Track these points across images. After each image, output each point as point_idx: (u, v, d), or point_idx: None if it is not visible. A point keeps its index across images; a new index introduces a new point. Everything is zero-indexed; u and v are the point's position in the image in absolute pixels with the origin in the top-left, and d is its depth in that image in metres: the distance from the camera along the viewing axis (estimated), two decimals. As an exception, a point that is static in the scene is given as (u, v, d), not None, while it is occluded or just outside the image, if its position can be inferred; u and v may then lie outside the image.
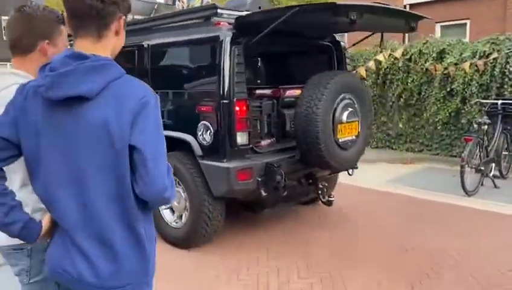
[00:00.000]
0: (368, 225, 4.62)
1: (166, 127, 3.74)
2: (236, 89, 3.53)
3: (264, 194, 3.68)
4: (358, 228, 4.55)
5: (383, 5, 3.43)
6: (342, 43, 4.53)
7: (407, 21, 3.85)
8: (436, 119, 7.84)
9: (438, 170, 7.52)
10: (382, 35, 4.46)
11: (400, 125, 8.39)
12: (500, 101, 6.56)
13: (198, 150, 3.65)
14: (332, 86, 3.70)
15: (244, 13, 3.67)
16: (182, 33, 3.81)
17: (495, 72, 7.11)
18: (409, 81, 8.04)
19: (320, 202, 4.38)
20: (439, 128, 7.89)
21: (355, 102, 3.92)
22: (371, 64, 8.12)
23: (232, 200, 3.89)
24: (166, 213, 3.97)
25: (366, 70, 8.20)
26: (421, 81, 7.96)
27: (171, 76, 3.86)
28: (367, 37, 4.37)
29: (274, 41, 4.18)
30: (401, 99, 8.19)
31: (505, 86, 7.10)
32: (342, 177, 7.03)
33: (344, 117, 3.80)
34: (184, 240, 3.86)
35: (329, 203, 4.22)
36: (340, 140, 3.81)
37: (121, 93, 1.27)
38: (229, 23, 3.62)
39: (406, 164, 7.92)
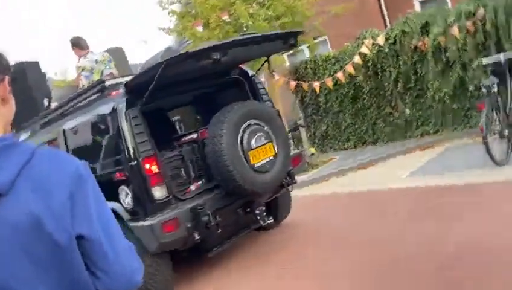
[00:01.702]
0: (382, 240, 3.97)
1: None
2: (140, 148, 3.74)
3: (197, 237, 3.79)
4: (371, 242, 4.00)
5: (242, 38, 3.55)
6: (249, 72, 4.58)
7: (284, 41, 3.86)
8: (442, 95, 7.29)
9: (462, 146, 6.94)
10: (268, 60, 4.49)
11: (407, 111, 7.92)
12: (502, 56, 5.95)
13: (125, 215, 3.88)
14: (231, 119, 3.77)
15: (129, 78, 3.93)
16: (87, 111, 4.14)
17: (487, 28, 6.51)
18: (401, 64, 7.62)
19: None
20: (448, 102, 7.31)
21: (263, 125, 3.94)
22: (357, 59, 7.86)
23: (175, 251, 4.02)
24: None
25: (354, 68, 7.95)
26: (413, 61, 7.50)
27: (88, 153, 4.18)
28: (264, 63, 4.43)
29: (188, 88, 4.37)
30: (399, 85, 7.76)
31: (502, 40, 6.45)
32: (355, 183, 6.87)
33: (253, 143, 3.83)
34: None
35: (268, 227, 4.20)
36: (256, 165, 3.83)
37: (43, 175, 0.98)
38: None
39: (425, 149, 7.42)
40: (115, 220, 1.11)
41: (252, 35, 3.90)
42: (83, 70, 5.25)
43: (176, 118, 5.90)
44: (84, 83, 5.05)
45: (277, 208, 4.65)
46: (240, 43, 3.63)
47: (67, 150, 4.20)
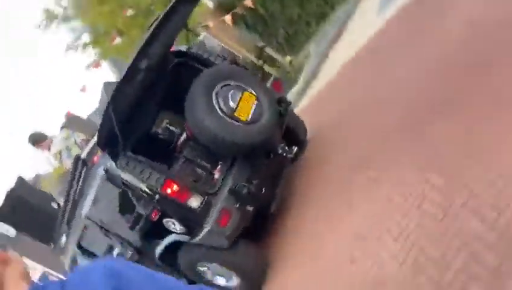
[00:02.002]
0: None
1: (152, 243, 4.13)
2: (152, 182, 3.79)
3: (251, 209, 3.92)
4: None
5: (151, 32, 3.50)
6: (182, 48, 4.45)
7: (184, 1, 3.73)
8: None
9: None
10: (187, 27, 4.34)
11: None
12: None
13: (186, 238, 4.01)
14: (198, 100, 3.75)
15: (94, 139, 3.93)
16: (89, 188, 4.19)
17: None
18: None
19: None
20: None
21: (228, 83, 3.90)
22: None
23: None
24: (221, 281, 4.41)
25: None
26: None
27: (119, 216, 4.28)
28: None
29: (150, 101, 4.34)
30: None
31: None
32: (340, 56, 6.78)
33: (231, 103, 3.81)
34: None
35: (295, 158, 4.28)
36: (248, 119, 3.84)
37: None
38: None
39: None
40: (169, 277, 1.15)
41: (158, 17, 3.74)
42: (60, 154, 5.28)
43: (163, 129, 5.84)
44: (69, 163, 5.09)
45: (294, 135, 4.68)
46: (152, 37, 3.52)
47: (102, 229, 4.34)
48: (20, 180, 5.65)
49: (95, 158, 3.94)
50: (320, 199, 4.40)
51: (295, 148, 4.21)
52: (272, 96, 4.21)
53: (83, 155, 4.02)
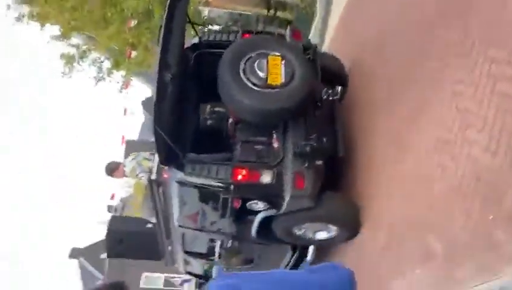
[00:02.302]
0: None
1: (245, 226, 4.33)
2: (221, 175, 3.93)
3: (320, 163, 3.97)
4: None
5: (162, 41, 3.57)
6: (194, 41, 4.45)
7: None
8: None
9: None
10: (190, 21, 4.28)
11: None
12: None
13: (273, 211, 4.16)
14: (227, 80, 3.81)
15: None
16: (173, 200, 4.44)
17: None
18: None
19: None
20: None
21: (249, 55, 3.87)
22: None
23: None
24: (321, 235, 4.55)
25: None
26: None
27: (211, 214, 4.50)
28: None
29: (191, 99, 4.47)
30: None
31: None
32: None
33: (261, 74, 3.80)
34: (349, 233, 4.37)
35: (342, 96, 4.20)
36: (283, 81, 3.82)
37: None
38: None
39: None
40: (274, 271, 1.40)
41: (162, 27, 3.77)
42: (134, 170, 5.61)
43: (209, 114, 5.93)
44: (144, 177, 5.39)
45: (332, 74, 4.57)
46: (164, 49, 3.57)
47: (197, 230, 4.63)
48: (112, 215, 6.12)
49: (165, 174, 4.14)
50: (384, 123, 4.31)
51: (339, 88, 4.12)
52: (296, 48, 4.13)
53: (153, 177, 4.25)
